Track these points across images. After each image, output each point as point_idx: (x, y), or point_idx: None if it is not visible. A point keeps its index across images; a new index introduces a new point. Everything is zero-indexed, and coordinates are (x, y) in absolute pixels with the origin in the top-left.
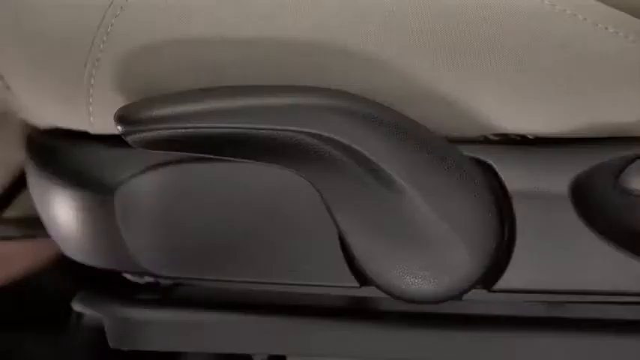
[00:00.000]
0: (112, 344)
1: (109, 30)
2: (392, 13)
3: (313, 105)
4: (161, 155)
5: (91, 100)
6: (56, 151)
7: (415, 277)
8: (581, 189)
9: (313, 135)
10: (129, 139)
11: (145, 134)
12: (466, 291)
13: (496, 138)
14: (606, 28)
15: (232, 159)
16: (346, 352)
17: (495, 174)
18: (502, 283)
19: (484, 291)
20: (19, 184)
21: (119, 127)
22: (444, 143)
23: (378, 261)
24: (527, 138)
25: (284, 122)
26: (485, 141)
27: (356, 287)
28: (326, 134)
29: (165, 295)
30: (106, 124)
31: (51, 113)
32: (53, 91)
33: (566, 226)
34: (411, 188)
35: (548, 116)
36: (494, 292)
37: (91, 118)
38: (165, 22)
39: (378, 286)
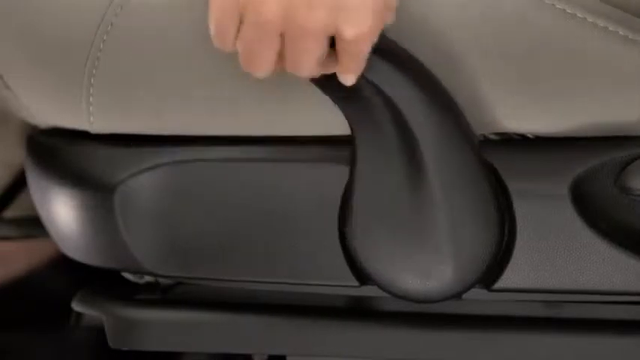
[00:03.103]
0: (112, 344)
1: (108, 29)
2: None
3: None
4: (161, 155)
5: (91, 99)
6: (56, 151)
7: (415, 276)
8: (581, 189)
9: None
10: None
11: None
12: (466, 290)
13: (496, 138)
14: (606, 28)
15: (232, 159)
16: (346, 352)
17: (496, 173)
18: (502, 282)
19: (484, 290)
20: (19, 184)
21: None
22: (472, 130)
23: (379, 258)
24: (528, 138)
25: None
26: (485, 141)
27: (356, 286)
28: (370, 78)
29: (165, 295)
30: (105, 124)
31: (51, 113)
32: (53, 91)
33: (566, 225)
34: (433, 169)
35: (548, 116)
36: (494, 291)
37: (91, 118)
38: (165, 21)
39: (378, 285)
